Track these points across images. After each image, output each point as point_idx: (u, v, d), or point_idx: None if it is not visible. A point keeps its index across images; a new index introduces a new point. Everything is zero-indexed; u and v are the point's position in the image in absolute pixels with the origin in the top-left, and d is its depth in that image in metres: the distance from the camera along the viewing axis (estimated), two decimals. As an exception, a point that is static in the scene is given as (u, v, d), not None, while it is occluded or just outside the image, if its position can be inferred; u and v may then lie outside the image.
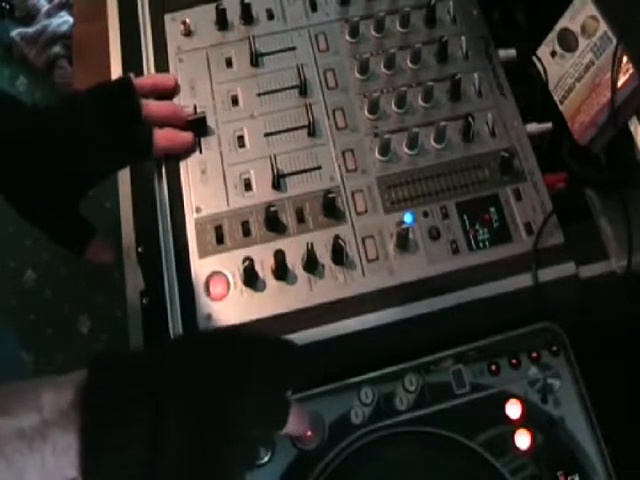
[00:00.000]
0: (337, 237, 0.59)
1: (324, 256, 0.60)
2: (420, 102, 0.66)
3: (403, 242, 0.60)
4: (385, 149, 0.63)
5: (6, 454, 0.37)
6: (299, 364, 0.48)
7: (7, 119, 0.59)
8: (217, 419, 0.41)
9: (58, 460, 0.38)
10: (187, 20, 0.70)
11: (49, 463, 0.38)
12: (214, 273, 0.60)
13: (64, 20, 1.68)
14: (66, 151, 0.59)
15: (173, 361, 0.42)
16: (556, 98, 0.63)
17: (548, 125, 0.65)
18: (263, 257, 0.60)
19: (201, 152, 0.65)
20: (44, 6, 1.73)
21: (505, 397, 0.56)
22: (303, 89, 0.67)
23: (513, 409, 0.56)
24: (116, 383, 0.40)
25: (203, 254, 0.61)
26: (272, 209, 0.60)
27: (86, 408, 0.39)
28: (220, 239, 0.61)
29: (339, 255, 0.59)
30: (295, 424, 0.48)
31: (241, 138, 0.65)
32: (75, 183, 0.61)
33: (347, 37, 0.69)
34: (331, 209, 0.61)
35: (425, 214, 0.62)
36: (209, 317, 0.58)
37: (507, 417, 0.56)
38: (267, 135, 0.65)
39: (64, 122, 0.60)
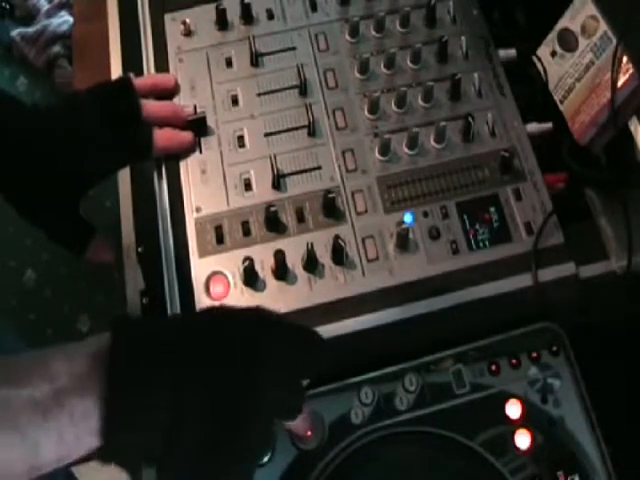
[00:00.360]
0: (337, 237, 0.59)
1: (324, 256, 0.60)
2: (420, 102, 0.66)
3: (403, 242, 0.60)
4: (385, 149, 0.63)
5: (19, 427, 0.36)
6: (317, 353, 0.46)
7: (7, 119, 0.59)
8: (233, 395, 0.40)
9: (77, 429, 0.37)
10: (187, 20, 0.70)
11: (67, 433, 0.37)
12: (214, 273, 0.60)
13: (64, 20, 1.68)
14: (66, 151, 0.59)
15: (189, 335, 0.42)
16: (556, 98, 0.63)
17: (548, 125, 0.65)
18: (263, 257, 0.60)
19: (201, 152, 0.65)
20: (44, 6, 1.72)
21: (505, 397, 0.56)
22: (303, 89, 0.67)
23: (513, 409, 0.56)
24: (136, 352, 0.39)
25: (203, 254, 0.61)
26: (272, 209, 0.60)
27: (107, 373, 0.38)
28: (220, 239, 0.61)
29: (339, 255, 0.59)
30: (297, 421, 0.48)
31: (241, 138, 0.65)
32: (75, 183, 0.61)
33: (347, 37, 0.69)
34: (331, 209, 0.61)
35: (425, 214, 0.62)
36: (209, 317, 0.58)
37: (507, 417, 0.56)
38: (267, 135, 0.65)
39: (64, 122, 0.60)
